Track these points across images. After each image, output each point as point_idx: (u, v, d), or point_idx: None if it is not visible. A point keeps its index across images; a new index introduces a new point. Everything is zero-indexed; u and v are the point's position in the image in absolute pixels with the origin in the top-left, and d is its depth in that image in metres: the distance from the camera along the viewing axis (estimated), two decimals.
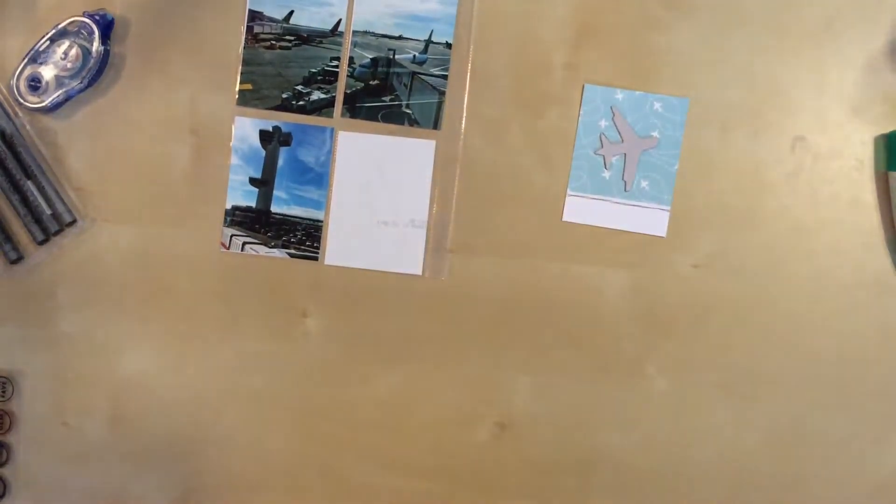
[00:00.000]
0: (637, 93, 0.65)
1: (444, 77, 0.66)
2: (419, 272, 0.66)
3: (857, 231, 0.65)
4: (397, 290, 0.67)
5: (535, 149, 0.66)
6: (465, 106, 0.66)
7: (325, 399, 0.67)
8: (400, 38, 0.66)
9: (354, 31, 0.67)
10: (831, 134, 0.64)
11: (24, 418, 0.69)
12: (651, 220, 0.65)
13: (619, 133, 0.65)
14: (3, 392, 0.68)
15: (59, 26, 0.66)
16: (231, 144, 0.67)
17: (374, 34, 0.67)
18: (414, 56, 0.66)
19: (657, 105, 0.65)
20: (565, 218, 0.65)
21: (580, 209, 0.65)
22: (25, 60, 0.66)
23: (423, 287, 0.67)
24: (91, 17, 0.65)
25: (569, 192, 0.65)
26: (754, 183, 0.65)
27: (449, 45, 0.66)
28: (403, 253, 0.66)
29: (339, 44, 0.67)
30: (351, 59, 0.67)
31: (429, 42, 0.66)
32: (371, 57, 0.67)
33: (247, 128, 0.67)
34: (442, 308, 0.67)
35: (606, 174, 0.65)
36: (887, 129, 0.64)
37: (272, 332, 0.68)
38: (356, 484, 0.68)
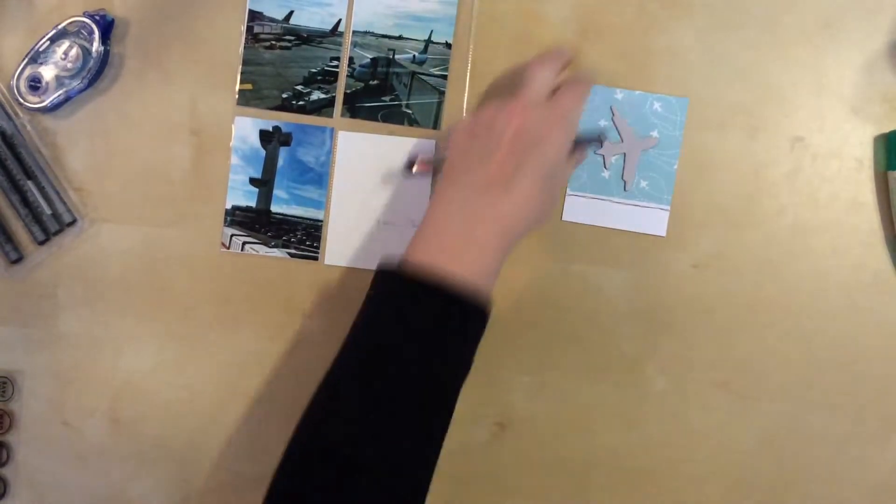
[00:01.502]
0: (636, 92, 0.65)
1: (444, 77, 0.66)
2: None
3: (857, 231, 0.65)
4: None
5: None
6: (465, 106, 0.66)
7: None
8: (400, 38, 0.66)
9: (354, 32, 0.67)
10: (830, 134, 0.65)
11: (24, 418, 0.69)
12: (651, 219, 0.65)
13: (619, 133, 0.65)
14: (4, 392, 0.68)
15: (59, 26, 0.66)
16: (231, 144, 0.67)
17: (373, 34, 0.67)
18: (414, 56, 0.66)
19: (657, 105, 0.65)
20: (565, 217, 0.65)
21: (580, 209, 0.65)
22: (25, 60, 0.66)
23: None
24: (91, 17, 0.65)
25: (568, 191, 0.65)
26: (753, 183, 0.65)
27: (449, 45, 0.66)
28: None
29: (339, 44, 0.67)
30: (351, 60, 0.67)
31: (428, 42, 0.66)
32: (371, 57, 0.67)
33: (247, 128, 0.67)
34: None
35: (606, 174, 0.65)
36: (886, 129, 0.64)
37: (272, 332, 0.68)
38: None
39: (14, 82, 0.66)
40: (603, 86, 0.65)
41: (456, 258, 0.53)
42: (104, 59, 0.66)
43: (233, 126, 0.67)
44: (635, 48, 0.65)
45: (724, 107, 0.65)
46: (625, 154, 0.65)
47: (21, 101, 0.66)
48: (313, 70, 0.67)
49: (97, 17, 0.65)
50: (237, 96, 0.67)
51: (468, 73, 0.66)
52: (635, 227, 0.65)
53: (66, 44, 0.66)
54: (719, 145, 0.65)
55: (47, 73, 0.66)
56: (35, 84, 0.66)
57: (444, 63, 0.66)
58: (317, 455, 0.50)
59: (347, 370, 0.53)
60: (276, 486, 0.51)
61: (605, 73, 0.65)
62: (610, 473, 0.66)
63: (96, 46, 0.65)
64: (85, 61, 0.66)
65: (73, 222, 0.67)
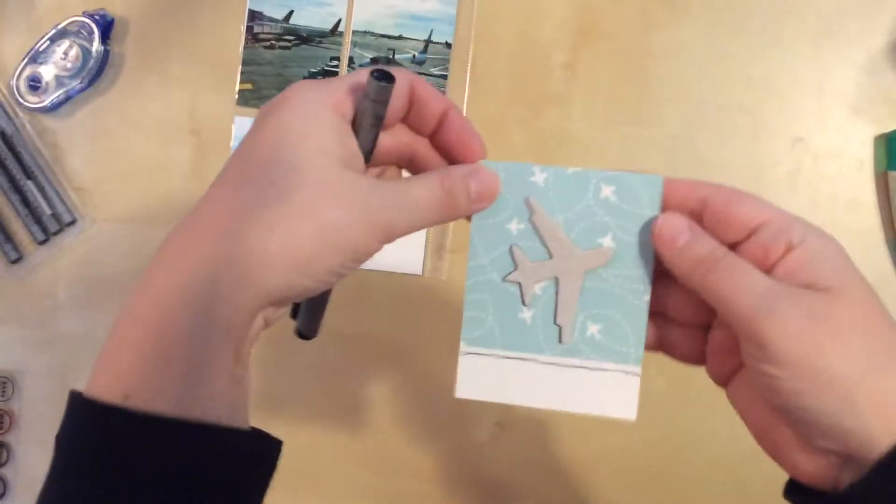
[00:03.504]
0: (569, 170, 0.38)
1: (444, 77, 0.66)
2: (419, 272, 0.66)
3: (857, 231, 0.64)
4: (397, 290, 0.67)
5: (534, 148, 0.66)
6: (465, 106, 0.66)
7: (324, 399, 0.67)
8: (400, 37, 0.66)
9: (354, 31, 0.67)
10: (831, 134, 0.64)
11: (24, 418, 0.69)
12: (609, 391, 0.40)
13: (544, 242, 0.38)
14: (4, 392, 0.68)
15: (59, 26, 0.66)
16: (231, 144, 0.67)
17: (373, 34, 0.67)
18: (414, 56, 0.66)
19: (606, 190, 0.37)
20: (459, 394, 0.39)
21: (483, 376, 0.39)
22: (25, 60, 0.66)
23: (423, 287, 0.67)
24: (91, 17, 0.65)
25: (463, 348, 0.39)
26: (753, 183, 0.65)
27: (449, 45, 0.66)
28: (403, 253, 0.66)
29: (339, 44, 0.67)
30: (351, 59, 0.67)
31: (428, 42, 0.66)
32: (371, 57, 0.67)
33: (247, 127, 0.67)
34: (442, 308, 0.66)
35: (526, 315, 0.38)
36: (887, 129, 0.64)
37: (271, 332, 0.67)
38: (355, 484, 0.68)
39: (14, 82, 0.66)
40: (512, 162, 0.39)
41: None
42: (104, 58, 0.66)
43: (233, 126, 0.67)
44: (635, 48, 0.65)
45: (725, 107, 0.65)
46: (557, 279, 0.38)
47: (21, 100, 0.66)
48: (313, 70, 0.67)
49: (97, 17, 0.65)
50: (237, 96, 0.67)
51: (468, 73, 0.66)
52: (584, 406, 0.39)
53: (65, 43, 0.66)
54: (719, 146, 0.65)
55: (47, 72, 0.66)
56: (35, 84, 0.66)
57: (444, 63, 0.66)
58: None
59: None
60: None
61: (604, 73, 0.65)
62: (610, 473, 0.66)
63: (96, 46, 0.65)
64: (85, 61, 0.66)
65: (72, 222, 0.67)
